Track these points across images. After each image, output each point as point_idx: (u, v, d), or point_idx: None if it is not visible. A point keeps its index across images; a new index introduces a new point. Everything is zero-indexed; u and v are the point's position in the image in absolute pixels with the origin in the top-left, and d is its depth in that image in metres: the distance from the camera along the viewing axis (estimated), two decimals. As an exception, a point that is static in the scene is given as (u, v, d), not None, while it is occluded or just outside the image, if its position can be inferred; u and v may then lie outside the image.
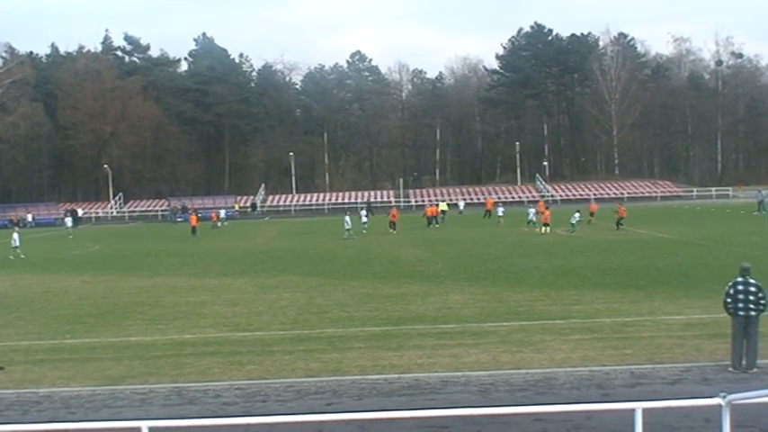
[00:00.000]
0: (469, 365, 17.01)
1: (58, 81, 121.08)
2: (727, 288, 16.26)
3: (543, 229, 54.18)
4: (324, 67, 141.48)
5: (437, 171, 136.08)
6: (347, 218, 56.59)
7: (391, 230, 59.94)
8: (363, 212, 66.97)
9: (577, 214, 55.68)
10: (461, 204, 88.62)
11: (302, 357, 18.46)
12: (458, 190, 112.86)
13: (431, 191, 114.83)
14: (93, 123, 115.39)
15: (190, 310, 26.09)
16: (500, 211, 69.43)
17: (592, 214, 64.11)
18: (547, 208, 58.68)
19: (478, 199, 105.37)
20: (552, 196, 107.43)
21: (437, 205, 76.27)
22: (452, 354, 18.22)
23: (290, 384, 15.99)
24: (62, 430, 11.50)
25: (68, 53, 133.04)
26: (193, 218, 69.55)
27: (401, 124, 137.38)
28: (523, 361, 17.30)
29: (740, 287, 15.95)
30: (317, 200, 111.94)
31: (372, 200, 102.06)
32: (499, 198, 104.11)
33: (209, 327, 22.88)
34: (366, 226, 61.88)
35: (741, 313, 15.83)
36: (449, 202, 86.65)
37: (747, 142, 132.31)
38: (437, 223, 67.28)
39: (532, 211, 60.74)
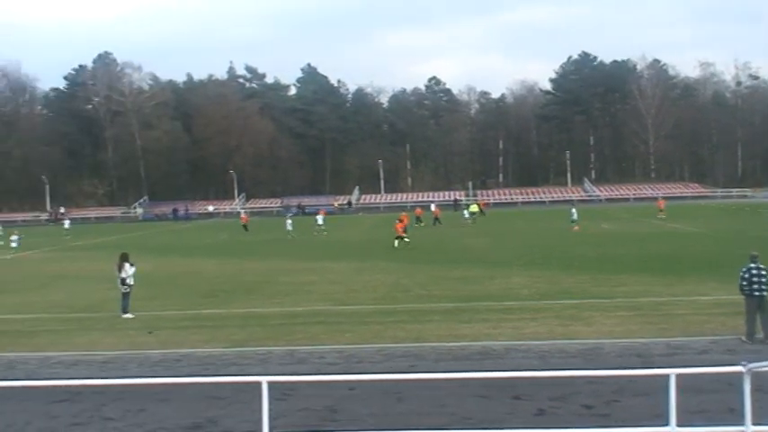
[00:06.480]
0: (529, 336, 16.85)
1: (193, 103, 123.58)
2: (741, 273, 15.82)
3: (396, 242, 41.27)
4: (405, 90, 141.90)
5: (500, 175, 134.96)
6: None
7: (406, 239, 41.62)
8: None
9: (574, 210, 54.12)
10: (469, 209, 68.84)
11: (390, 327, 18.51)
12: (517, 191, 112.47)
13: (495, 191, 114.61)
14: (221, 138, 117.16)
15: (300, 287, 26.37)
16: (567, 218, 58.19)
17: (661, 210, 61.85)
18: (400, 221, 43.13)
19: (535, 198, 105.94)
20: (598, 196, 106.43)
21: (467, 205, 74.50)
22: (514, 326, 18.06)
23: (380, 349, 16.03)
24: (199, 383, 11.74)
25: (200, 80, 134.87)
26: (244, 217, 65.29)
27: (470, 137, 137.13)
28: (575, 333, 17.07)
29: (753, 271, 15.55)
30: (401, 198, 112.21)
31: (458, 198, 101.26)
32: (552, 197, 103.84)
33: (315, 301, 23.12)
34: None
35: (756, 294, 15.40)
36: (477, 203, 77.65)
37: (763, 149, 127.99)
38: (440, 222, 61.03)
39: (574, 210, 54.74)
